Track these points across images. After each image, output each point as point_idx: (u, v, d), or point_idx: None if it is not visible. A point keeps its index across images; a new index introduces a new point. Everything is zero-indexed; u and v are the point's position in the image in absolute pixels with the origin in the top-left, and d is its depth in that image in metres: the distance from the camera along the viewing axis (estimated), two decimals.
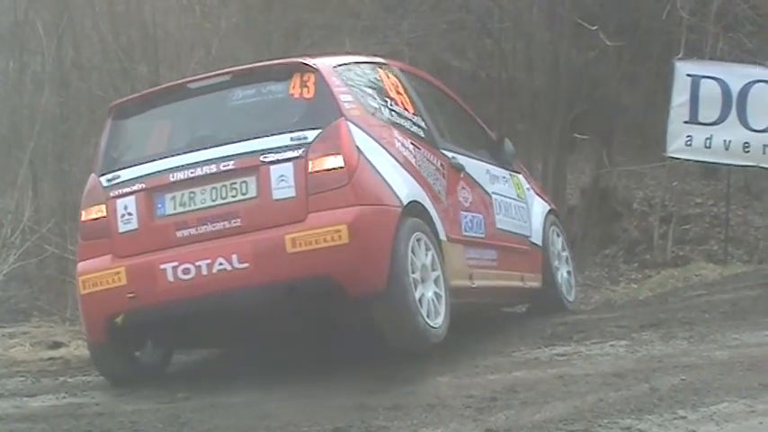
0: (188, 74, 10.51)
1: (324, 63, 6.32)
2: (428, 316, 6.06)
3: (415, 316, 5.92)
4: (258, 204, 5.94)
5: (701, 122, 10.02)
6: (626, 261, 11.68)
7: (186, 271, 5.89)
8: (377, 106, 6.48)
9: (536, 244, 7.85)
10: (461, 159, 7.01)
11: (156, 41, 13.18)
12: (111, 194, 6.19)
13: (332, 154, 5.92)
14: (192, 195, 6.07)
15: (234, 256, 5.83)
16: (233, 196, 6.02)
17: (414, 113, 6.83)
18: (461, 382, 6.44)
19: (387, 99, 6.65)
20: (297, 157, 5.91)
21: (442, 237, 6.45)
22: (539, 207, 8.15)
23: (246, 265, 5.81)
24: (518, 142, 12.15)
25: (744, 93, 9.79)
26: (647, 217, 12.45)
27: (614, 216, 12.35)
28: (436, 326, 6.10)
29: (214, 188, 6.04)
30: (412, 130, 6.68)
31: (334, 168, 5.92)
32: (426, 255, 6.18)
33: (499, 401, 5.96)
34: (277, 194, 5.92)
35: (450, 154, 6.91)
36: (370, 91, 6.55)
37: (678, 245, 11.73)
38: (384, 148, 6.23)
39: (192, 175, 6.05)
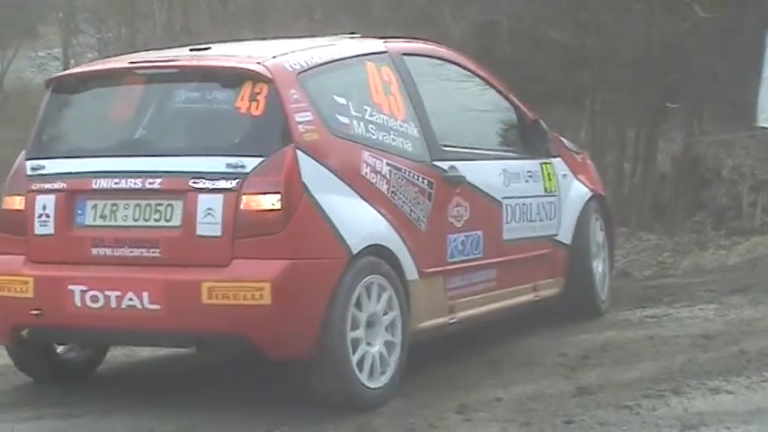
0: None
1: (286, 69, 5.22)
2: (370, 375, 5.16)
3: (349, 383, 5.06)
4: (180, 236, 5.04)
5: None
6: (714, 227, 11.35)
7: (95, 299, 5.11)
8: (348, 121, 5.36)
9: (562, 242, 6.71)
10: (464, 166, 5.93)
11: (262, 7, 13.19)
12: (33, 187, 5.39)
13: (269, 192, 4.95)
14: (115, 209, 5.25)
15: (145, 294, 5.01)
16: (156, 220, 5.14)
17: (403, 120, 5.69)
18: (554, 341, 6.53)
19: (367, 107, 5.52)
20: (229, 189, 4.96)
21: (412, 276, 5.46)
22: (576, 196, 6.90)
23: (157, 307, 4.99)
24: (611, 112, 12.16)
25: None
26: (736, 185, 12.06)
27: (704, 184, 12.06)
28: (377, 386, 5.18)
29: (138, 205, 5.18)
30: (394, 144, 5.59)
31: (269, 210, 4.95)
32: (379, 300, 5.24)
33: (591, 360, 6.04)
34: (201, 229, 4.99)
35: (446, 165, 5.80)
36: (343, 101, 5.41)
37: (767, 212, 11.54)
38: (343, 179, 5.23)
39: (116, 185, 5.19)
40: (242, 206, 4.89)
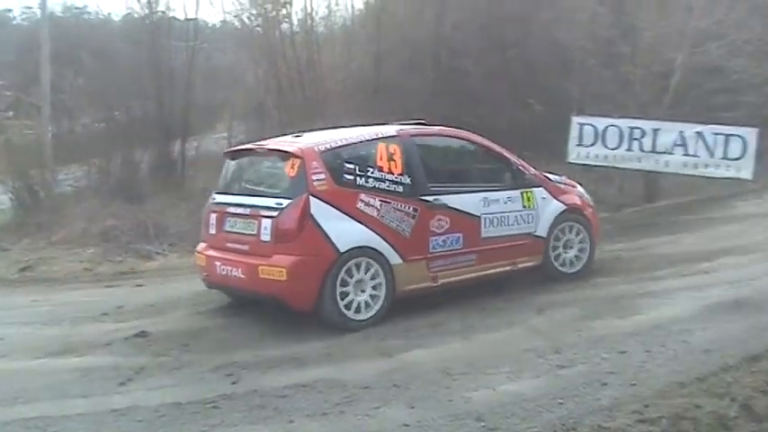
0: None
1: (313, 150, 6.76)
2: (357, 311, 6.68)
3: (337, 317, 6.61)
4: (255, 240, 6.73)
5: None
6: None
7: (223, 269, 6.96)
8: (351, 178, 6.79)
9: (540, 236, 7.90)
10: (447, 197, 7.22)
11: None
12: (210, 209, 7.31)
13: (290, 218, 6.55)
14: (235, 222, 6.99)
15: (239, 269, 6.79)
16: (248, 231, 6.83)
17: (400, 174, 7.02)
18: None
19: (369, 168, 6.89)
20: (274, 216, 6.62)
21: (396, 261, 6.87)
22: (552, 209, 7.98)
23: (244, 276, 6.76)
24: None
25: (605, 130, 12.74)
26: None
27: None
28: (362, 318, 6.67)
29: (243, 222, 6.90)
30: (389, 189, 6.94)
31: (289, 228, 6.54)
32: (365, 273, 6.72)
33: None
34: (262, 237, 6.66)
35: (431, 198, 7.13)
36: (351, 166, 6.81)
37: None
38: (341, 211, 6.67)
39: (235, 211, 7.00)
40: (279, 226, 6.62)
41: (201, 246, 7.42)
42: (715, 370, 5.25)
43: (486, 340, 6.20)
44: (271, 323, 6.82)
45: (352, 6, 21.19)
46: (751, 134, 11.89)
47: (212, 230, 7.22)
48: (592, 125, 12.79)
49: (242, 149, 7.67)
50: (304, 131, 7.61)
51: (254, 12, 16.72)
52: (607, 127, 12.64)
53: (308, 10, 17.14)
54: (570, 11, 15.73)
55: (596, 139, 12.64)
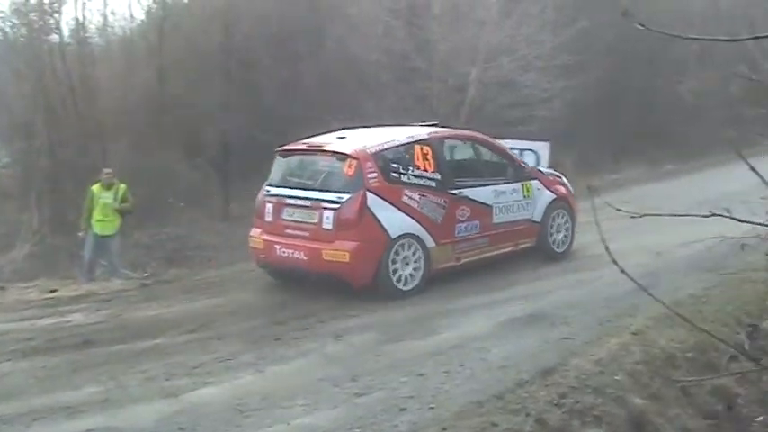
0: None
1: (366, 152, 8.30)
2: (404, 283, 8.30)
3: (391, 289, 8.22)
4: (316, 228, 8.22)
5: None
6: None
7: (283, 252, 8.43)
8: (398, 175, 8.40)
9: (536, 221, 9.66)
10: (468, 191, 8.90)
11: None
12: (265, 199, 8.78)
13: (351, 210, 8.07)
14: (294, 212, 8.46)
15: (301, 252, 8.28)
16: (308, 219, 8.29)
17: (433, 171, 8.64)
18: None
19: (410, 167, 8.49)
20: (336, 208, 8.11)
21: (430, 245, 8.54)
22: (545, 198, 9.73)
23: (306, 258, 8.25)
24: None
25: None
26: None
27: None
28: (407, 288, 8.30)
29: (303, 212, 8.36)
30: (425, 184, 8.56)
31: (350, 218, 8.05)
32: (409, 251, 8.34)
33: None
34: (324, 225, 8.14)
35: (456, 191, 8.81)
36: (396, 165, 8.42)
37: None
38: (390, 203, 8.25)
39: (294, 202, 8.45)
40: (340, 216, 8.12)
41: (256, 231, 8.81)
42: (511, 386, 5.48)
43: (280, 372, 6.17)
44: (37, 369, 6.35)
45: (132, 15, 20.45)
46: (543, 148, 12.68)
47: (269, 218, 8.61)
48: None
49: (294, 149, 8.96)
50: (344, 130, 9.18)
51: (16, 20, 15.83)
52: None
53: (81, 19, 16.44)
54: (363, 23, 16.19)
55: None
